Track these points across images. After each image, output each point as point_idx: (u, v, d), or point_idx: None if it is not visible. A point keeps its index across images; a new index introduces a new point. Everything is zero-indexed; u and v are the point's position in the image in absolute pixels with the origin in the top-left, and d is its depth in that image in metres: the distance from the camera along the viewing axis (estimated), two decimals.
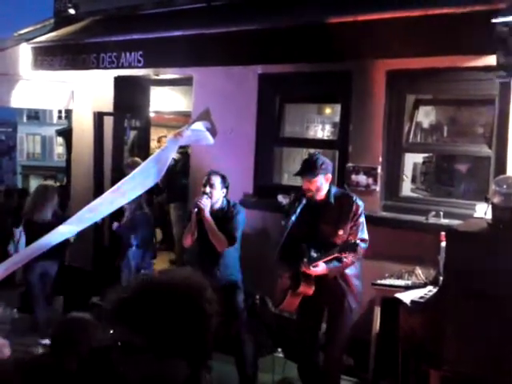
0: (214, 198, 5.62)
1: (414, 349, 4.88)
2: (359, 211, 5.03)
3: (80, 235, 6.02)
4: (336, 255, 4.84)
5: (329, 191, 5.09)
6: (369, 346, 5.83)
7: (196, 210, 5.55)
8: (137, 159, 7.77)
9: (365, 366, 5.86)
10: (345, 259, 4.86)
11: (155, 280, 1.95)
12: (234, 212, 5.67)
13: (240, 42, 6.29)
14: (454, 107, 6.94)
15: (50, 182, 10.43)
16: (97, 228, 7.28)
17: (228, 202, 5.75)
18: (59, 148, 44.08)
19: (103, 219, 6.51)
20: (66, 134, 11.18)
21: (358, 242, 4.81)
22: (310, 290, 4.99)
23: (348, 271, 5.05)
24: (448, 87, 6.28)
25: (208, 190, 5.60)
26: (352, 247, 4.77)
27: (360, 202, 5.06)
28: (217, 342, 1.96)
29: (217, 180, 5.65)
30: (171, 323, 1.80)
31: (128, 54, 7.18)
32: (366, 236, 4.98)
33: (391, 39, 5.39)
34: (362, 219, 5.05)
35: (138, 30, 7.34)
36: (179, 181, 8.86)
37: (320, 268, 4.90)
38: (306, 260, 4.90)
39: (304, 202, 5.10)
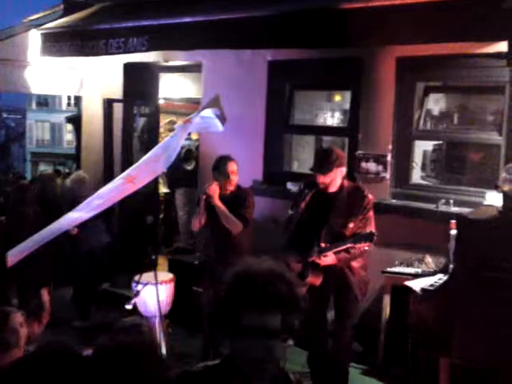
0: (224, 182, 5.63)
1: (424, 336, 4.88)
2: (370, 205, 5.03)
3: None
4: (349, 245, 4.83)
5: (342, 184, 5.08)
6: (378, 334, 5.84)
7: (205, 196, 5.55)
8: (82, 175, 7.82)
9: (374, 354, 5.88)
10: (352, 250, 4.86)
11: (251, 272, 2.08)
12: (244, 195, 5.68)
13: (250, 28, 6.23)
14: (463, 94, 6.89)
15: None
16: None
17: (238, 186, 5.75)
18: (68, 135, 44.22)
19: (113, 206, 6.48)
20: (76, 120, 11.19)
21: (373, 231, 4.80)
22: (318, 281, 4.98)
23: (354, 263, 5.05)
24: (458, 74, 6.24)
25: (217, 175, 5.61)
26: (368, 237, 4.76)
27: (371, 196, 5.06)
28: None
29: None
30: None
31: (135, 39, 7.15)
32: (373, 229, 4.96)
33: (402, 25, 5.33)
34: (371, 213, 5.04)
35: (146, 15, 7.31)
36: (182, 167, 9.00)
37: (330, 258, 4.90)
38: (316, 249, 4.89)
39: (314, 190, 5.11)
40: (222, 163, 5.69)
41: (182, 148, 9.43)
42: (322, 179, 5.01)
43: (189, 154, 9.67)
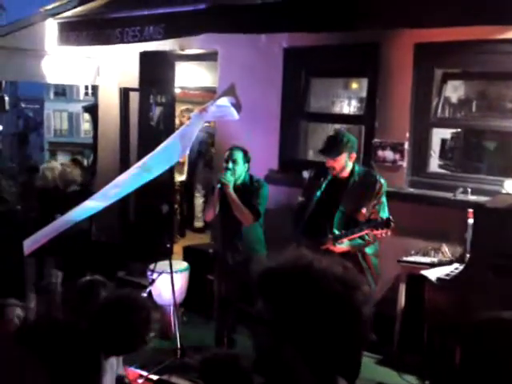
0: (237, 173, 5.59)
1: (440, 325, 4.85)
2: (382, 190, 4.98)
3: (106, 209, 5.98)
4: (365, 232, 4.79)
5: (353, 169, 5.04)
6: (394, 323, 5.81)
7: (219, 185, 5.53)
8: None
9: (389, 343, 5.85)
10: (367, 236, 4.82)
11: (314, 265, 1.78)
12: (257, 186, 5.65)
13: (264, 11, 6.16)
14: (482, 81, 6.82)
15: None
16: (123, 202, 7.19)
17: (251, 177, 5.72)
18: (86, 124, 44.50)
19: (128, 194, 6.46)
20: (93, 110, 11.21)
21: (390, 217, 4.75)
22: None
23: (367, 250, 5.00)
24: (477, 60, 6.15)
25: (230, 165, 5.57)
26: (386, 224, 4.71)
27: (383, 181, 5.00)
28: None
29: (239, 155, 5.61)
30: (310, 314, 1.67)
31: (151, 28, 7.14)
32: (387, 215, 4.90)
33: (421, 8, 5.26)
34: (384, 198, 4.99)
35: (162, 3, 7.28)
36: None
37: (344, 245, 4.86)
38: (330, 236, 4.85)
39: (329, 178, 5.08)
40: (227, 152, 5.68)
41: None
42: (331, 163, 4.97)
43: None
